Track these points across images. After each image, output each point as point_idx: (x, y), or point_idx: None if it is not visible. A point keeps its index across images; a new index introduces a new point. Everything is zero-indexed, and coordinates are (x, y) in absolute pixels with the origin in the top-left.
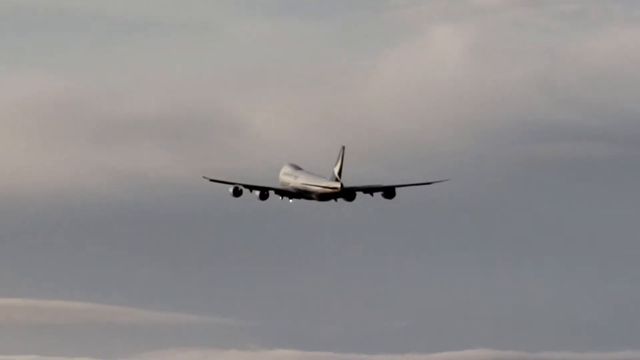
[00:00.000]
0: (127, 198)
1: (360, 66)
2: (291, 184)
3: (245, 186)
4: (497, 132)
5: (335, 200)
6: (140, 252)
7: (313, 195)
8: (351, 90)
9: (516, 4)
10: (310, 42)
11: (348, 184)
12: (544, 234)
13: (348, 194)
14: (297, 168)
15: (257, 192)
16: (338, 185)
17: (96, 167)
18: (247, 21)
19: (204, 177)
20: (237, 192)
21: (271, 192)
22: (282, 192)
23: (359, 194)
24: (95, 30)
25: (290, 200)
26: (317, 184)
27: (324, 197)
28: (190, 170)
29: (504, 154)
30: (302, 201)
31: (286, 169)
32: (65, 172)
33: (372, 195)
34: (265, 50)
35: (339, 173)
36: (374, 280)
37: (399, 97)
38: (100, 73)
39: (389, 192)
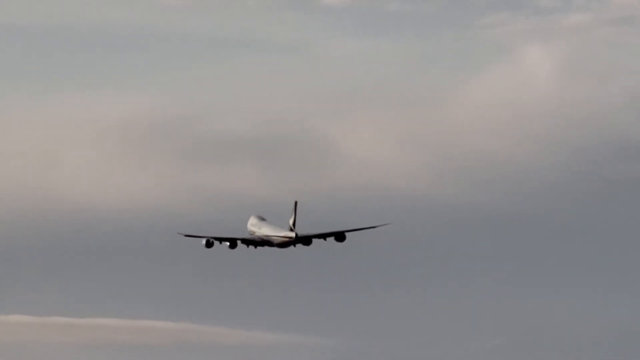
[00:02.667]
0: (219, 217)
1: (451, 85)
2: (256, 234)
3: (216, 238)
4: (587, 150)
5: (294, 246)
6: (234, 272)
7: (274, 244)
8: (442, 109)
9: (607, 22)
10: (401, 62)
11: (305, 231)
12: (633, 254)
13: (304, 240)
14: (262, 219)
15: (227, 243)
16: (293, 234)
17: (188, 186)
18: (339, 41)
19: (179, 233)
20: (208, 244)
21: (238, 242)
22: (248, 242)
23: (315, 239)
24: (187, 50)
25: (255, 248)
26: (277, 234)
27: (283, 245)
28: (281, 190)
29: (594, 171)
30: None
31: (252, 220)
32: (157, 191)
33: (325, 240)
34: (357, 70)
35: (294, 224)
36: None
37: (489, 116)
38: (192, 92)
39: (339, 236)
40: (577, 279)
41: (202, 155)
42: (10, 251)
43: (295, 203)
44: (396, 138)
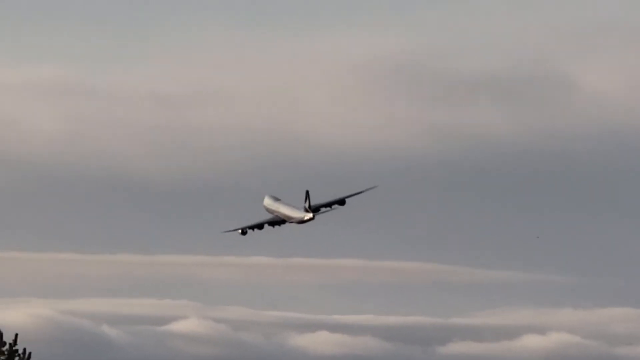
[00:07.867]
0: (461, 157)
1: None
2: (275, 213)
3: (248, 227)
4: None
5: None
6: (461, 209)
7: (293, 222)
8: None
9: None
10: None
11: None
12: None
13: (316, 211)
14: (276, 199)
15: (257, 229)
16: (311, 215)
17: (431, 126)
18: None
19: (223, 232)
20: (243, 233)
21: (265, 225)
22: (273, 223)
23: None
24: None
25: (280, 226)
26: (297, 215)
27: (301, 222)
28: (524, 129)
29: None
30: None
31: (267, 200)
32: (400, 131)
33: (331, 207)
34: (596, 8)
35: (309, 206)
36: None
37: None
38: (436, 32)
39: (341, 202)
40: None
41: (444, 94)
42: (255, 192)
43: (307, 192)
44: (637, 75)
